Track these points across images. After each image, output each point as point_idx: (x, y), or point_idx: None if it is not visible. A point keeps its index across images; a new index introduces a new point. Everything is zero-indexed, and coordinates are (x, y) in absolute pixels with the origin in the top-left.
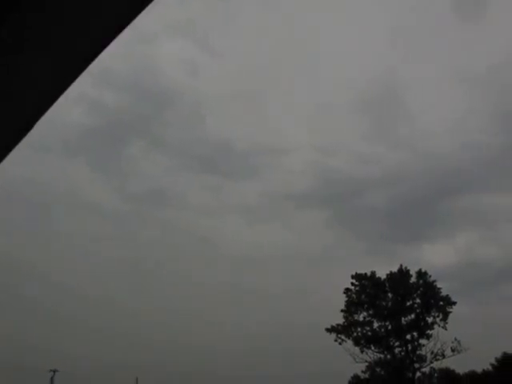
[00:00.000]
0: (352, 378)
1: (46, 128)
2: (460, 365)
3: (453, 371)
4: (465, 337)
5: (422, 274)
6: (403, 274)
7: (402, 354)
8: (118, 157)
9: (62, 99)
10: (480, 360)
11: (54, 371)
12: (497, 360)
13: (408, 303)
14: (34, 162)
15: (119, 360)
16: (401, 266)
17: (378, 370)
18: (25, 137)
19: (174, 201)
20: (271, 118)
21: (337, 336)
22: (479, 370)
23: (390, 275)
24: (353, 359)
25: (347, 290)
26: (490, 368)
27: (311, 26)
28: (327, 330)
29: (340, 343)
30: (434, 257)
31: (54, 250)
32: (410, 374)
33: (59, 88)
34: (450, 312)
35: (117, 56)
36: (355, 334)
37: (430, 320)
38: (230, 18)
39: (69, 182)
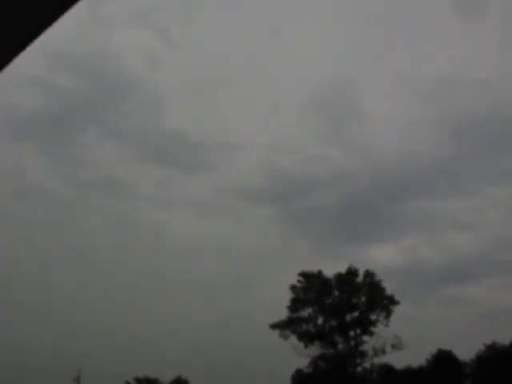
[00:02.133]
0: (295, 371)
1: None
2: (399, 361)
3: (392, 367)
4: (405, 334)
5: (369, 274)
6: (351, 273)
7: (345, 349)
8: (70, 143)
9: (12, 80)
10: (418, 356)
11: None
12: (432, 356)
13: (353, 301)
14: None
15: (59, 349)
16: (349, 266)
17: (320, 364)
18: None
19: (125, 190)
20: (226, 113)
21: (281, 331)
22: (416, 365)
23: (338, 275)
24: (296, 354)
25: (293, 287)
26: (426, 363)
27: (272, 25)
28: (271, 326)
29: (285, 339)
30: (379, 258)
31: None
32: (352, 369)
33: None
34: (393, 311)
35: (74, 39)
36: (299, 330)
37: (373, 318)
38: (190, 11)
39: (16, 167)
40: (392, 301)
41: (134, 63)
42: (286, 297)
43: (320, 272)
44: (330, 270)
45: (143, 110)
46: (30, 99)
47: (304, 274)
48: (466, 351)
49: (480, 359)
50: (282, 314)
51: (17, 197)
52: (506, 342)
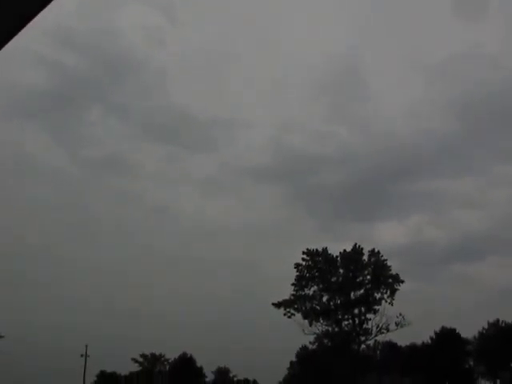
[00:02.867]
0: (300, 348)
1: None
2: (402, 338)
3: (395, 344)
4: (409, 312)
5: (374, 253)
6: (356, 251)
7: (349, 327)
8: (75, 121)
9: (16, 58)
10: (422, 333)
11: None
12: (435, 333)
13: (358, 279)
14: None
15: (67, 323)
16: (355, 244)
17: (325, 341)
18: None
19: (129, 169)
20: (233, 92)
21: (285, 310)
22: (419, 342)
23: (344, 253)
24: (302, 331)
25: (298, 265)
26: (429, 341)
27: (277, 4)
28: (274, 304)
29: (289, 317)
30: (385, 236)
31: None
32: (356, 346)
33: None
34: (398, 289)
35: (77, 16)
36: (304, 308)
37: (377, 296)
38: None
39: (19, 145)
40: (397, 279)
41: (138, 40)
42: (292, 274)
43: (325, 250)
44: (336, 248)
45: (147, 88)
46: (33, 77)
47: (309, 252)
48: (469, 329)
49: (483, 337)
50: (287, 291)
51: (19, 174)
52: (510, 320)
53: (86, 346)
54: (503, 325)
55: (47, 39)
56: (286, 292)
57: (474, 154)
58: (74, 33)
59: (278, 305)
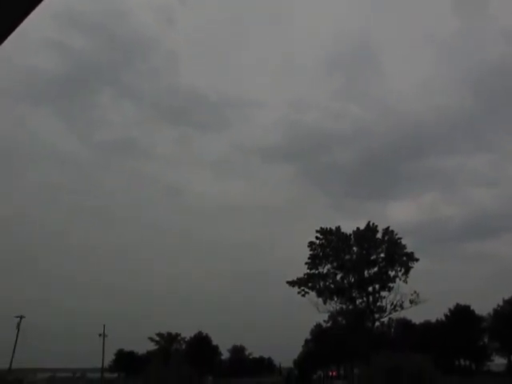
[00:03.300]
0: (315, 326)
1: (8, 73)
2: (417, 316)
3: (410, 321)
4: (423, 289)
5: (388, 232)
6: (370, 229)
7: (363, 304)
8: (86, 105)
9: (26, 42)
10: (436, 311)
11: (21, 317)
12: (450, 311)
13: (372, 257)
14: None
15: (82, 307)
16: (368, 222)
17: (339, 319)
18: None
19: (141, 151)
20: (243, 71)
21: (299, 288)
22: (434, 320)
23: (357, 231)
24: (316, 309)
25: (311, 244)
26: (444, 318)
27: None
28: (288, 282)
29: (303, 295)
30: (398, 214)
31: (15, 200)
32: (370, 324)
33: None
34: (412, 267)
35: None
36: (318, 287)
37: (392, 274)
38: None
39: (33, 130)
40: (411, 257)
41: (148, 21)
42: (306, 253)
43: (338, 228)
44: (350, 226)
45: (158, 69)
46: (43, 61)
47: (322, 231)
48: (484, 306)
49: (498, 314)
50: (302, 270)
51: (32, 159)
52: None
53: (104, 326)
54: None
55: (56, 23)
56: (301, 270)
57: (487, 130)
58: (84, 15)
59: (292, 283)
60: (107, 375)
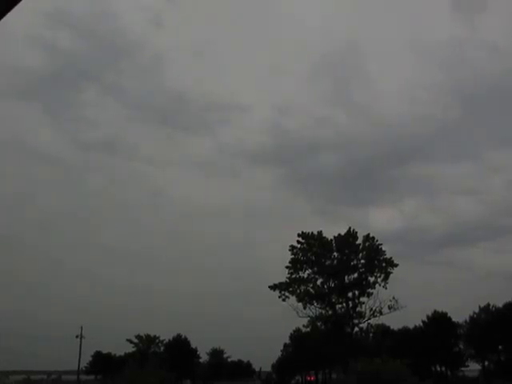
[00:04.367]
0: (294, 331)
1: None
2: (395, 321)
3: (388, 327)
4: (402, 296)
5: (368, 238)
6: (351, 235)
7: (343, 310)
8: (71, 103)
9: (12, 40)
10: (414, 317)
11: None
12: (428, 317)
13: (352, 263)
14: None
15: (59, 308)
16: (349, 228)
17: (318, 324)
18: None
19: (125, 151)
20: (229, 74)
21: (280, 293)
22: (412, 326)
23: (338, 236)
24: (296, 313)
25: (293, 248)
26: (421, 325)
27: None
28: (270, 287)
29: (284, 300)
30: (380, 220)
31: None
32: (349, 329)
33: None
34: (391, 273)
35: None
36: (298, 291)
37: (371, 279)
38: None
39: (16, 127)
40: (391, 263)
41: (135, 22)
42: (287, 257)
43: (320, 233)
44: (332, 231)
45: (144, 70)
46: (30, 59)
47: (304, 235)
48: (461, 312)
49: (473, 321)
50: (283, 273)
51: (17, 157)
52: (500, 305)
53: (81, 328)
54: (493, 309)
55: (43, 20)
56: (282, 274)
57: (470, 139)
58: (70, 14)
59: (273, 287)
60: (83, 377)
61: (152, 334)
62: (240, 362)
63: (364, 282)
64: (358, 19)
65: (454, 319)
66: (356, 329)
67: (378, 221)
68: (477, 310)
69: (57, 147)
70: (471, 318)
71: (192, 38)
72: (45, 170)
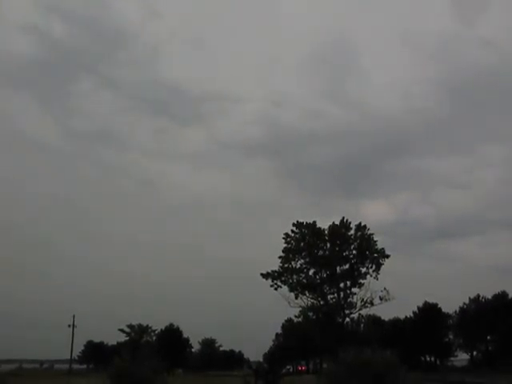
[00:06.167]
0: (286, 321)
1: None
2: (386, 312)
3: (379, 318)
4: (393, 287)
5: (360, 228)
6: (344, 225)
7: (334, 300)
8: (65, 93)
9: (5, 27)
10: (405, 308)
11: None
12: (418, 308)
13: (344, 253)
14: None
15: (52, 297)
16: (343, 218)
17: (310, 314)
18: None
19: (119, 142)
20: (225, 66)
21: (272, 282)
22: (402, 316)
23: (332, 226)
24: (288, 303)
25: (287, 236)
26: (412, 315)
27: None
28: (262, 274)
29: (276, 289)
30: (373, 213)
31: None
32: (340, 320)
33: None
34: (383, 264)
35: None
36: (291, 281)
37: (363, 270)
38: None
39: (7, 116)
40: (382, 254)
41: (131, 12)
42: (279, 247)
43: (314, 223)
44: (325, 224)
45: (139, 61)
46: (22, 46)
47: (298, 224)
48: (452, 303)
49: (463, 311)
50: (275, 264)
51: (7, 147)
52: (489, 296)
53: (74, 316)
54: (483, 300)
55: (36, 9)
56: (274, 264)
57: (462, 134)
58: (65, 2)
59: (265, 275)
60: (76, 366)
61: (144, 324)
62: (232, 351)
63: (356, 273)
64: (352, 12)
65: (444, 310)
66: (347, 319)
67: (370, 213)
68: (467, 301)
69: (48, 137)
70: (461, 308)
71: (188, 29)
72: (36, 160)
